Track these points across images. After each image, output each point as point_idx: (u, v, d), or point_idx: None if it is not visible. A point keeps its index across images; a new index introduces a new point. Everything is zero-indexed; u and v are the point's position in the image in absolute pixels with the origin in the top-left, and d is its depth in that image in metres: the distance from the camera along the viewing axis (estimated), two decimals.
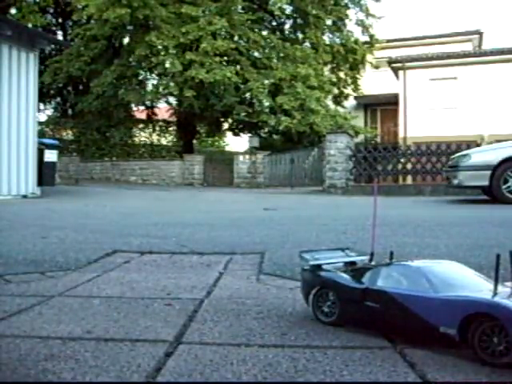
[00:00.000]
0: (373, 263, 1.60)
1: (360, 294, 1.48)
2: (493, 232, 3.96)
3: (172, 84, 18.50)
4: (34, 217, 5.81)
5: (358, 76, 23.37)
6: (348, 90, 23.59)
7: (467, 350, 1.28)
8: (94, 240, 3.57)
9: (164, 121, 25.01)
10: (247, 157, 19.74)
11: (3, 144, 9.74)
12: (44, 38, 11.35)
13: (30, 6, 20.62)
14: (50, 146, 11.04)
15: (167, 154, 23.53)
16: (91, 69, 20.22)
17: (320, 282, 1.61)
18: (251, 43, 19.55)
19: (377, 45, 22.99)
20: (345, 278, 1.55)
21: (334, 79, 22.79)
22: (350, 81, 23.48)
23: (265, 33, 21.62)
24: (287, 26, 23.46)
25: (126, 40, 21.04)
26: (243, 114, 19.54)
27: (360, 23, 22.82)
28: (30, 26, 18.43)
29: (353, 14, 22.85)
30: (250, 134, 22.61)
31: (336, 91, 22.80)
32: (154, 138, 24.96)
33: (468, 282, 1.40)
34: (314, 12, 20.77)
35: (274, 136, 22.57)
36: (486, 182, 7.97)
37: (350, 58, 22.34)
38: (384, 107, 25.09)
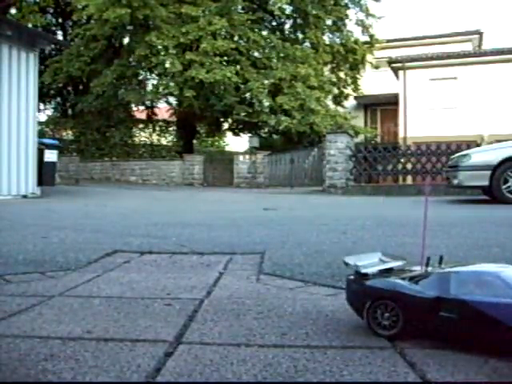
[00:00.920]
0: (429, 268, 1.48)
1: (432, 305, 1.36)
2: (493, 232, 3.96)
3: (172, 84, 18.50)
4: (34, 217, 5.81)
5: (357, 76, 23.38)
6: (348, 90, 23.60)
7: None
8: (94, 240, 3.57)
9: (164, 121, 25.01)
10: (247, 157, 19.75)
11: (3, 144, 9.74)
12: (44, 38, 11.34)
13: (30, 6, 20.60)
14: (50, 146, 11.04)
15: (167, 154, 23.52)
16: (91, 69, 20.22)
17: (376, 292, 1.46)
18: (251, 43, 19.56)
19: (377, 45, 23.01)
20: (408, 287, 1.42)
21: (334, 79, 22.82)
22: (349, 81, 23.50)
23: (265, 33, 21.63)
24: (287, 26, 23.47)
25: (126, 40, 21.05)
26: (243, 113, 19.55)
27: (360, 23, 22.84)
28: (30, 26, 18.43)
29: (353, 13, 22.93)
30: (249, 134, 22.62)
31: (336, 91, 22.81)
32: (154, 138, 24.97)
33: None
34: (313, 12, 20.78)
35: (274, 136, 22.60)
36: (486, 182, 7.97)
37: (350, 57, 22.36)
38: (384, 107, 25.10)
